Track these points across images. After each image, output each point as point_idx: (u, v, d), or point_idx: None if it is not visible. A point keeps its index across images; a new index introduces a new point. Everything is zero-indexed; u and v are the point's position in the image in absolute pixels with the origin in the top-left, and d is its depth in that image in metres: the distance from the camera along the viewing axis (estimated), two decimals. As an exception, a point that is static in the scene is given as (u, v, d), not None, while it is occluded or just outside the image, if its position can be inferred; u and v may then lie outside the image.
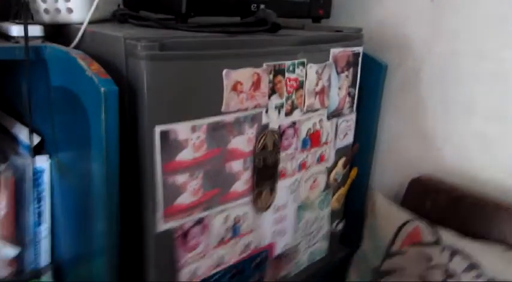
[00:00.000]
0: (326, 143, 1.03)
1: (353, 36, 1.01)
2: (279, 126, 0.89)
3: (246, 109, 0.81)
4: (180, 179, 0.76)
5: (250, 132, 0.84)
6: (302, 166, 0.99)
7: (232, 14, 0.93)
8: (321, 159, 1.04)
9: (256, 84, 0.80)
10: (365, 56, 1.15)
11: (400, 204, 1.16)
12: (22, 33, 0.73)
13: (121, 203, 0.84)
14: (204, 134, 0.76)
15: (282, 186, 0.96)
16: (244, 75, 0.78)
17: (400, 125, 1.23)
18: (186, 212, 0.79)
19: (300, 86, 0.90)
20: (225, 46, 0.77)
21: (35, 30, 0.77)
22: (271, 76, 0.83)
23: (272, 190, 0.93)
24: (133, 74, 0.68)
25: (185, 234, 0.81)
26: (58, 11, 0.85)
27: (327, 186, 1.09)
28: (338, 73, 0.99)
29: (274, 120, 0.88)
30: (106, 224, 0.69)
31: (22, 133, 0.88)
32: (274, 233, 1.00)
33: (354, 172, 1.16)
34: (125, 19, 0.91)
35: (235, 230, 0.90)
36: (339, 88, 1.01)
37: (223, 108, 0.77)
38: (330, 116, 1.02)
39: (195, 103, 0.74)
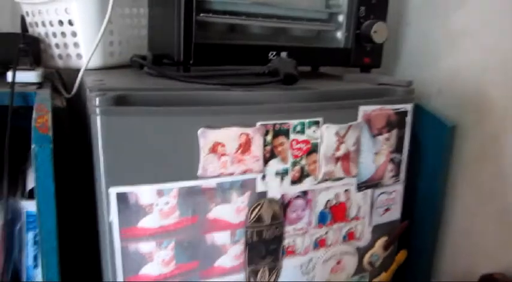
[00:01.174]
0: (356, 218, 0.85)
1: (397, 91, 0.83)
2: (282, 196, 0.75)
3: (231, 174, 0.69)
4: (145, 247, 0.67)
5: (240, 200, 0.72)
6: (320, 244, 0.82)
7: (245, 63, 0.83)
8: (349, 237, 0.85)
9: (244, 147, 0.69)
10: (426, 113, 0.95)
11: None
12: (17, 79, 0.74)
13: (84, 266, 0.78)
14: (175, 200, 0.67)
15: (289, 265, 0.80)
16: (227, 135, 0.67)
17: (475, 203, 0.96)
18: (155, 284, 0.69)
19: (313, 149, 0.76)
20: (206, 101, 0.67)
21: (31, 77, 0.77)
22: (268, 137, 0.71)
23: (272, 269, 0.78)
24: (92, 130, 0.63)
25: (155, 310, 0.71)
26: (69, 56, 0.86)
27: (360, 270, 0.89)
28: (374, 136, 0.81)
29: (275, 188, 0.74)
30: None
31: (30, 176, 0.88)
32: (282, 319, 0.84)
33: (402, 255, 0.94)
34: (141, 66, 0.88)
35: (222, 312, 0.77)
36: (376, 153, 0.83)
37: (199, 172, 0.67)
38: (363, 187, 0.83)
39: (162, 164, 0.65)
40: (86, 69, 0.83)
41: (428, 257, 1.00)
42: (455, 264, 1.01)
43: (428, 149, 0.96)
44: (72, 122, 0.86)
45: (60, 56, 0.86)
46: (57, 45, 0.85)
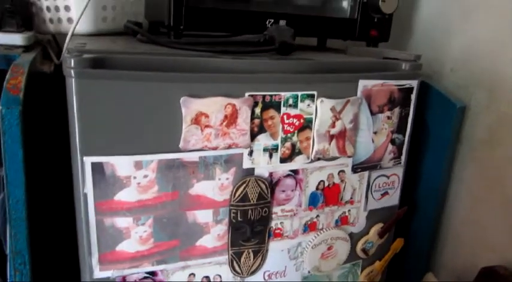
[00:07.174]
0: (351, 202, 0.85)
1: (402, 66, 0.82)
2: (270, 174, 0.75)
3: (215, 148, 0.69)
4: (121, 222, 0.68)
5: (225, 177, 0.72)
6: (310, 227, 0.83)
7: (241, 31, 0.82)
8: (341, 222, 0.86)
9: (230, 119, 0.69)
10: (435, 92, 0.94)
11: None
12: (2, 41, 0.75)
13: (61, 239, 0.78)
14: (154, 173, 0.67)
15: (277, 248, 0.81)
16: (212, 105, 0.67)
17: (481, 189, 0.96)
18: (131, 261, 0.71)
19: (306, 125, 0.75)
20: (190, 68, 0.66)
21: (16, 39, 0.78)
22: (257, 110, 0.70)
23: (257, 252, 0.79)
24: (68, 94, 0.62)
25: (131, 289, 0.72)
26: (60, 20, 0.86)
27: (352, 257, 0.89)
28: (373, 113, 0.81)
29: (263, 165, 0.75)
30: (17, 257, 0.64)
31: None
32: (267, 305, 0.85)
33: (398, 244, 0.94)
34: (135, 33, 0.87)
35: (203, 294, 0.78)
36: (375, 133, 0.82)
37: (180, 145, 0.67)
38: (359, 168, 0.83)
39: (142, 134, 0.65)
40: (78, 35, 0.83)
41: (428, 247, 1.01)
42: (455, 256, 1.01)
43: (435, 130, 0.96)
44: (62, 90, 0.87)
45: (51, 20, 0.86)
46: (48, 8, 0.85)
